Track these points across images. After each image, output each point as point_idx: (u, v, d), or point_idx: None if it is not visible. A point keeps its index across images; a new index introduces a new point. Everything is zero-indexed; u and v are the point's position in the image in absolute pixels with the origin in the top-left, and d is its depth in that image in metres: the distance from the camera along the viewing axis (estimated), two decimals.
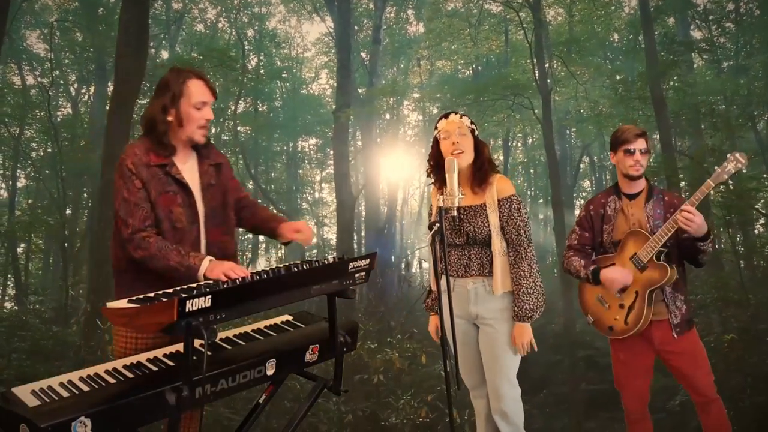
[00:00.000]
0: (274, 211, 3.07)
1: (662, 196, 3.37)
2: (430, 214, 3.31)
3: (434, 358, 7.06)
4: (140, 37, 9.53)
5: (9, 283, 16.30)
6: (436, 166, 3.18)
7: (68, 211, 15.52)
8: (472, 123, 3.21)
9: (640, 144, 3.31)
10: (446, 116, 3.25)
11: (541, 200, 24.00)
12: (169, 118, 2.75)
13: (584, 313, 3.55)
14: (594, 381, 12.05)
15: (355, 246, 19.72)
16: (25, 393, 2.06)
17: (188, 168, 2.83)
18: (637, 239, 3.29)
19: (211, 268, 2.53)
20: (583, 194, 25.85)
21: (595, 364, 12.32)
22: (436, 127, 3.28)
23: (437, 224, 2.70)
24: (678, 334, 3.28)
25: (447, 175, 2.85)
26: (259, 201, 3.08)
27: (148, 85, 12.79)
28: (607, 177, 23.88)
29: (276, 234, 2.92)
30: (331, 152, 18.58)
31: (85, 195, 16.25)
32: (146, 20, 9.98)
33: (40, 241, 16.86)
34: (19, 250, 16.17)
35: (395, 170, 15.25)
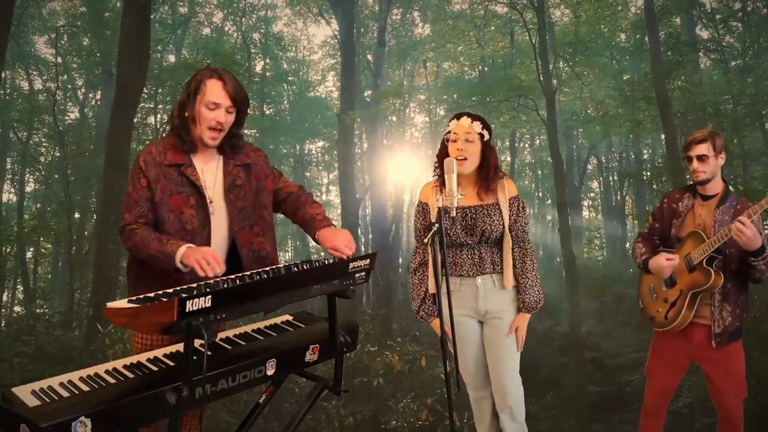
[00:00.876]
0: (317, 208, 2.95)
1: (735, 203, 3.36)
2: (421, 213, 3.32)
3: (434, 361, 7.05)
4: (142, 41, 9.56)
5: (19, 287, 16.40)
6: (442, 164, 3.19)
7: (77, 215, 15.62)
8: (483, 128, 3.19)
9: (698, 150, 3.33)
10: (458, 117, 3.24)
11: (549, 201, 23.95)
12: (186, 114, 2.76)
13: (638, 298, 3.66)
14: (601, 383, 12.01)
15: (362, 248, 19.72)
16: (25, 393, 2.07)
17: (210, 168, 2.82)
18: (695, 240, 3.33)
19: (187, 254, 2.53)
20: (591, 195, 25.80)
21: (602, 366, 12.27)
22: (448, 125, 3.29)
23: (436, 225, 2.71)
24: (717, 344, 3.30)
25: (446, 176, 2.87)
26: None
27: (154, 89, 12.82)
28: (615, 178, 23.83)
29: (315, 240, 2.88)
30: (340, 153, 18.63)
31: (93, 199, 16.36)
32: (148, 25, 10.01)
33: (49, 245, 16.96)
34: (29, 254, 16.26)
35: (402, 172, 15.26)
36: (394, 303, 14.21)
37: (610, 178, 24.42)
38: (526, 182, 24.95)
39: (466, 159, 3.13)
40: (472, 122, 3.20)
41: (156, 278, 2.60)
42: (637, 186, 20.09)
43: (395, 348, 7.99)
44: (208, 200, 2.77)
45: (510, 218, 3.22)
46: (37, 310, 11.25)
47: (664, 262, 3.34)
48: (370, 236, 21.36)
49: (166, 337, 2.61)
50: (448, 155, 3.14)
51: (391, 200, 19.95)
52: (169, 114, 2.89)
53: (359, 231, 19.36)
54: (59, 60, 15.84)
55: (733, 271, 3.31)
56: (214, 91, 2.73)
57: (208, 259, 2.47)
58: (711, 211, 3.36)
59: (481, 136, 3.18)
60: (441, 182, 3.17)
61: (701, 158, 3.31)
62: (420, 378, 7.02)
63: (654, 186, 15.35)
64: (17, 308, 15.24)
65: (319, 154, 26.37)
